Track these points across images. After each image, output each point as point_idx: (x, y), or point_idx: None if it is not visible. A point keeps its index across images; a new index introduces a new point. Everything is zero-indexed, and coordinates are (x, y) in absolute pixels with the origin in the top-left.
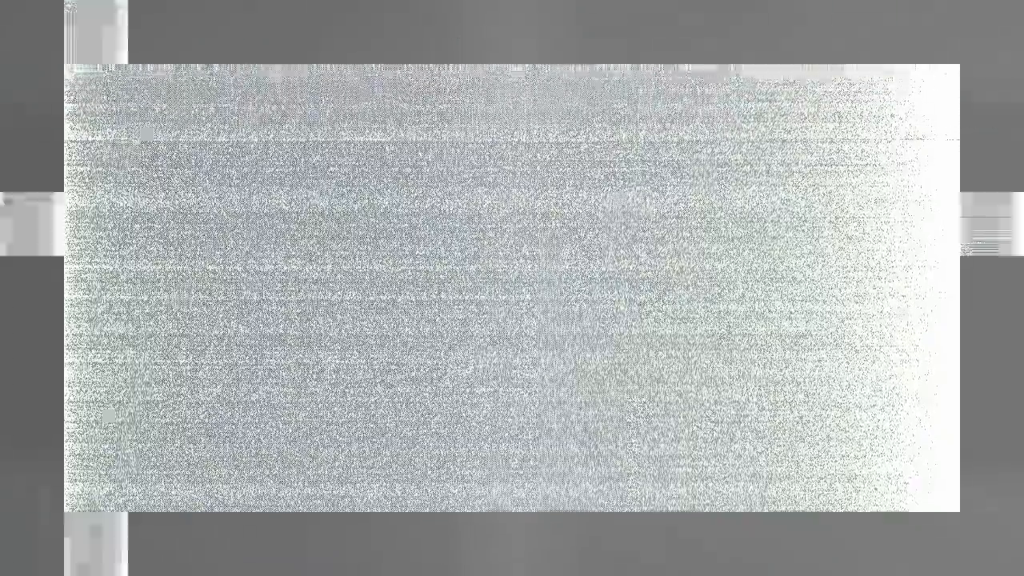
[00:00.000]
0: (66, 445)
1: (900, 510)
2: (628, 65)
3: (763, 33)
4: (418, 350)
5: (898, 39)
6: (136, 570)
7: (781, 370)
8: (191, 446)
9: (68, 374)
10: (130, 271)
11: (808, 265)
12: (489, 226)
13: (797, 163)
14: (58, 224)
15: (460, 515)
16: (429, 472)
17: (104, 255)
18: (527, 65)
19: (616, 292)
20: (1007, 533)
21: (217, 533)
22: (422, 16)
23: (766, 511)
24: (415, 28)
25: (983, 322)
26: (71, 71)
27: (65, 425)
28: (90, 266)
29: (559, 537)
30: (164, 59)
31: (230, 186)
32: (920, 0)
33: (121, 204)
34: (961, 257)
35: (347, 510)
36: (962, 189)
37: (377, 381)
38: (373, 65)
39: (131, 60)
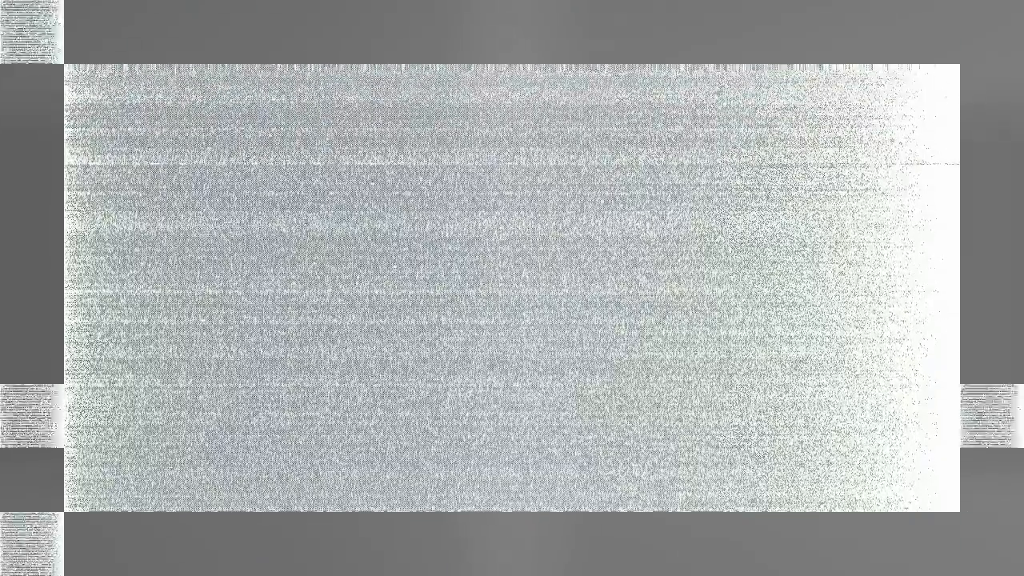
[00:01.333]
0: (66, 470)
1: (900, 510)
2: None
3: (763, 33)
4: (418, 374)
5: (898, 39)
6: (123, 570)
7: (781, 395)
8: (191, 470)
9: (68, 398)
10: (130, 295)
11: (808, 290)
12: (489, 250)
13: (797, 188)
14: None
15: (460, 515)
16: (429, 496)
17: (104, 279)
18: (528, 88)
19: (616, 316)
20: (1007, 533)
21: (218, 532)
22: (422, 16)
23: (767, 511)
24: (415, 28)
25: (983, 346)
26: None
27: (65, 450)
28: (90, 290)
29: (559, 537)
30: (162, 58)
31: (230, 210)
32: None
33: (121, 228)
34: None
35: (347, 509)
36: (962, 216)
37: (377, 405)
38: (373, 74)
39: (130, 60)
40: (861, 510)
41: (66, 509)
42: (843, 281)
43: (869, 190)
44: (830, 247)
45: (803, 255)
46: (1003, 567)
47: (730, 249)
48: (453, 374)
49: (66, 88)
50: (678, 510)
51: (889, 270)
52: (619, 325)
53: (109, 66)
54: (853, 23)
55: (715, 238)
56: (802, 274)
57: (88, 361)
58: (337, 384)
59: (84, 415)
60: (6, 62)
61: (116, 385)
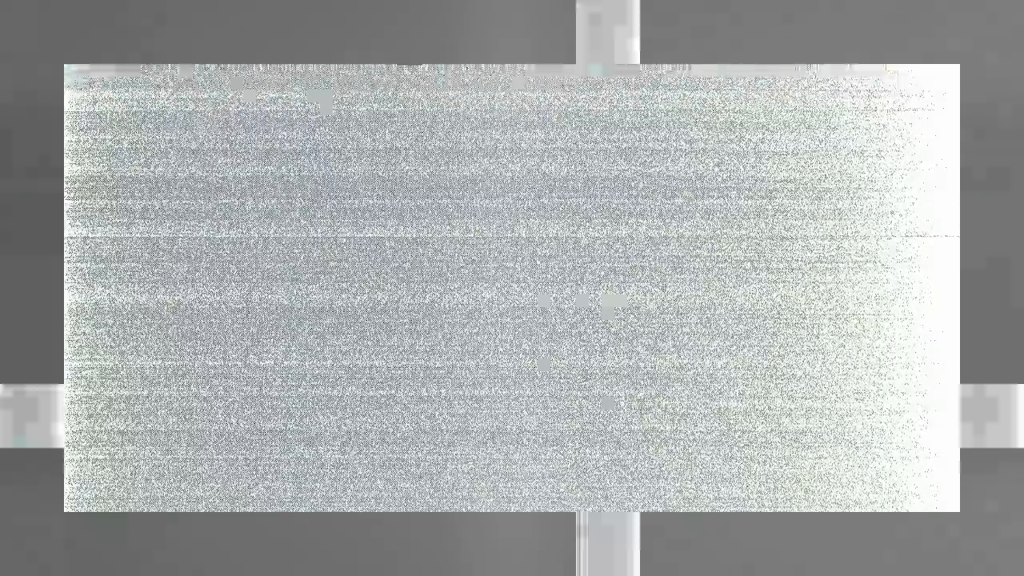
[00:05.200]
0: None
1: (900, 510)
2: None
3: (763, 33)
4: (418, 445)
5: (898, 40)
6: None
7: (781, 467)
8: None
9: (68, 470)
10: (130, 367)
11: (808, 362)
12: (489, 321)
13: (797, 260)
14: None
15: (460, 515)
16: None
17: (104, 351)
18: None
19: (616, 388)
20: (1007, 533)
21: (219, 533)
22: (422, 16)
23: (767, 512)
24: (415, 28)
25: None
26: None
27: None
28: (90, 362)
29: (559, 537)
30: (160, 58)
31: (230, 282)
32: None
33: (121, 300)
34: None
35: (347, 510)
36: (962, 288)
37: (377, 476)
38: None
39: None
40: (861, 510)
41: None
42: (843, 353)
43: (869, 262)
44: (830, 319)
45: (803, 327)
46: (1003, 567)
47: (730, 321)
48: (453, 445)
49: (66, 160)
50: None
51: (889, 342)
52: (619, 396)
53: (109, 136)
54: (852, 24)
55: (715, 310)
56: (802, 346)
57: (88, 432)
58: (337, 455)
59: (84, 487)
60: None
61: (116, 456)
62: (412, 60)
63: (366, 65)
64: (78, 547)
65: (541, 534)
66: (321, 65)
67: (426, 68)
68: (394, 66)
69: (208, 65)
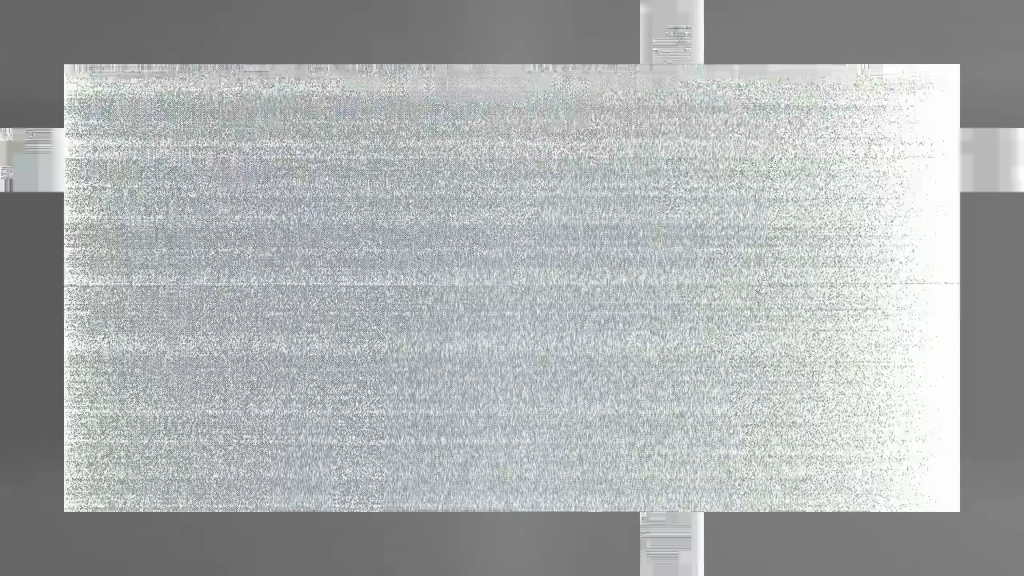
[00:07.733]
0: None
1: (902, 510)
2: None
3: (761, 32)
4: (418, 494)
5: (897, 40)
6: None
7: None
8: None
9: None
10: (130, 415)
11: (808, 410)
12: (489, 370)
13: (797, 307)
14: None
15: (460, 515)
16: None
17: (104, 400)
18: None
19: (616, 436)
20: (1007, 533)
21: (220, 533)
22: (422, 16)
23: (767, 512)
24: (415, 28)
25: (983, 466)
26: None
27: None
28: (90, 411)
29: (559, 537)
30: (158, 58)
31: (230, 330)
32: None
33: (121, 348)
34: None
35: (347, 510)
36: (962, 335)
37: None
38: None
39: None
40: (862, 510)
41: None
42: (843, 400)
43: (869, 310)
44: (830, 367)
45: (803, 375)
46: (1003, 567)
47: (730, 368)
48: (453, 494)
49: (66, 208)
50: None
51: (889, 389)
52: (619, 444)
53: (109, 186)
54: (849, 24)
55: (715, 357)
56: (802, 394)
57: (88, 481)
58: (337, 505)
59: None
60: None
61: (116, 506)
62: (412, 60)
63: (366, 113)
64: (78, 547)
65: (542, 535)
66: (323, 117)
67: (427, 116)
68: (395, 117)
69: (205, 184)
